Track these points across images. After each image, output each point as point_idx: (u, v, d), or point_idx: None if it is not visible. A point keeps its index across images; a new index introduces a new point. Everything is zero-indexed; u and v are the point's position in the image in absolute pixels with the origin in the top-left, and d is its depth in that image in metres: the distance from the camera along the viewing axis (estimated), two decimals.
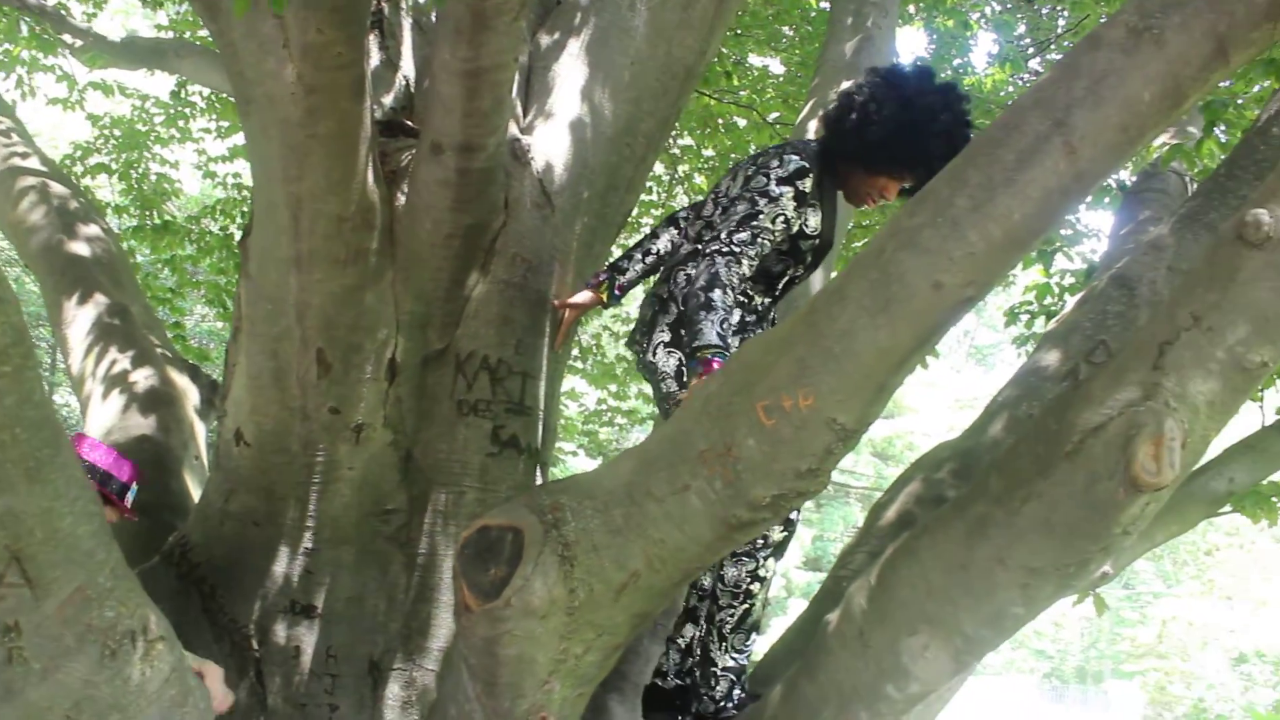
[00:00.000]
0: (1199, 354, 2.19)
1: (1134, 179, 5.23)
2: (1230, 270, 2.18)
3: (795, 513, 3.38)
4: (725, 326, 2.91)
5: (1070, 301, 4.22)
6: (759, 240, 3.09)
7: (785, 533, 3.30)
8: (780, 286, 3.36)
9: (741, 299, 3.28)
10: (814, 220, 3.24)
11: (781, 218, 3.14)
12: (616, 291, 3.56)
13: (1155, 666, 24.84)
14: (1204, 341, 2.19)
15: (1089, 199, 6.27)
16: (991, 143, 2.22)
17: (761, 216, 3.11)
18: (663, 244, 3.57)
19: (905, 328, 2.19)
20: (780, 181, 3.15)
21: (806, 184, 3.18)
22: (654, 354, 3.31)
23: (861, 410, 2.23)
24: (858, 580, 2.83)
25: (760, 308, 3.35)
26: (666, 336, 3.29)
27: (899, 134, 3.15)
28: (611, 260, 3.65)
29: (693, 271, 3.13)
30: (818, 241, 3.27)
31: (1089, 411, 2.31)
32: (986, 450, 3.45)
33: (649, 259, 3.57)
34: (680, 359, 3.23)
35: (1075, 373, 3.52)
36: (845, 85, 3.42)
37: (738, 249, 3.04)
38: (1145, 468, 2.15)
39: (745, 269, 3.06)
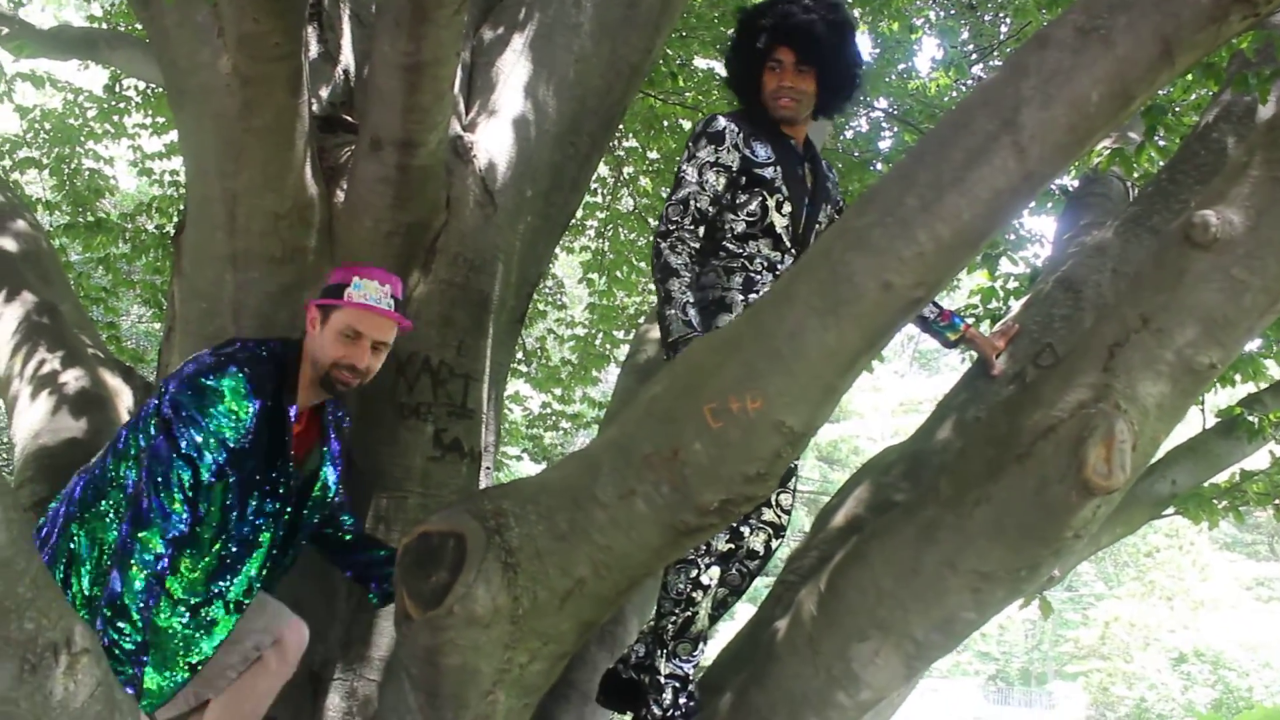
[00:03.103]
0: (1148, 356, 2.18)
1: (1076, 183, 5.25)
2: (1178, 271, 2.17)
3: (750, 526, 3.35)
4: (688, 311, 3.00)
5: (1015, 305, 4.22)
6: (692, 205, 3.16)
7: (730, 544, 3.27)
8: (790, 234, 3.30)
9: (743, 264, 3.25)
10: (761, 150, 3.27)
11: (707, 165, 3.20)
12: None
13: (1098, 668, 25.21)
14: (1153, 343, 2.18)
15: (1033, 202, 6.30)
16: (940, 141, 2.19)
17: (686, 181, 3.20)
18: None
19: (854, 329, 2.15)
20: (693, 140, 3.25)
21: (718, 124, 3.26)
22: None
23: (810, 413, 2.19)
24: (807, 586, 2.80)
25: (778, 263, 3.28)
26: None
27: (735, 38, 3.40)
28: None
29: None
30: (778, 168, 3.28)
31: (1039, 414, 2.29)
32: (935, 454, 3.43)
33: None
34: None
35: (1022, 376, 3.50)
36: None
37: (673, 227, 3.13)
38: (1097, 470, 2.14)
39: (691, 242, 3.14)
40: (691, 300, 3.03)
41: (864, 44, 9.10)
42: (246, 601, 2.82)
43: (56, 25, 7.11)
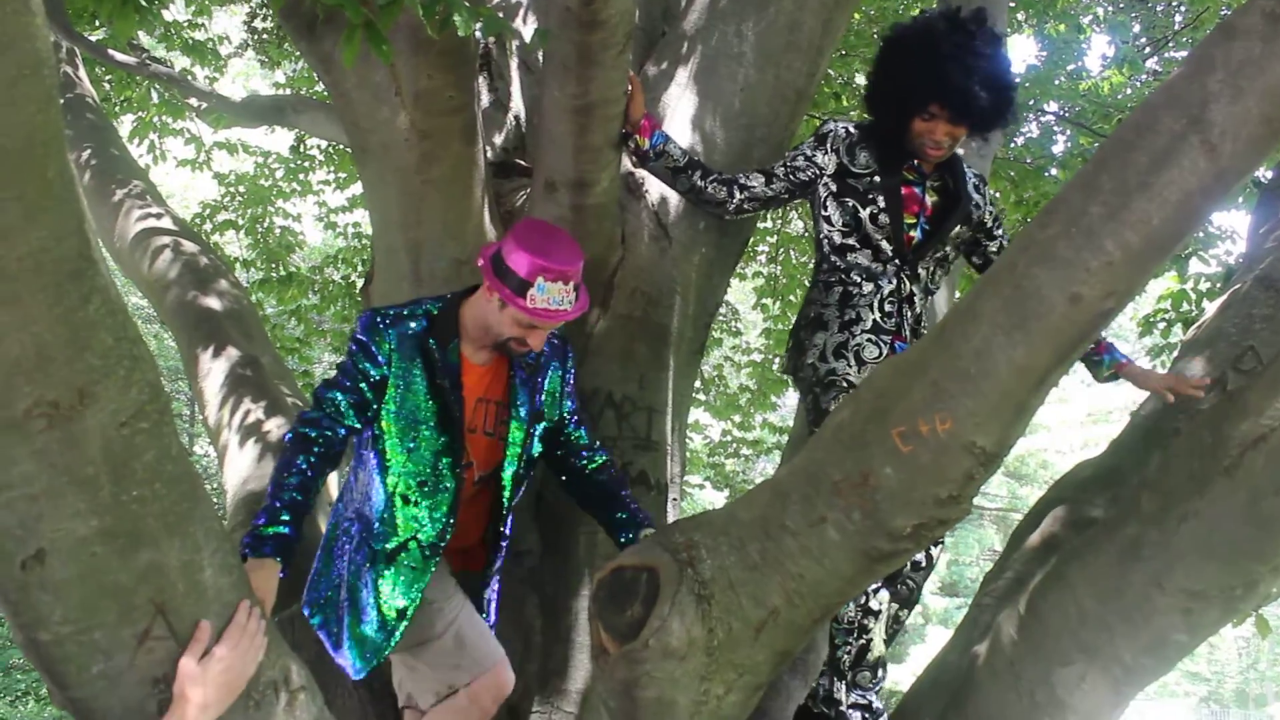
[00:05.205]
0: None
1: (1271, 174, 5.00)
2: None
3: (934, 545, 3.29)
4: (695, 177, 3.39)
5: (1210, 307, 4.03)
6: (775, 174, 3.41)
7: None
8: (892, 246, 3.27)
9: (841, 278, 3.29)
10: (861, 157, 3.32)
11: (801, 155, 3.38)
12: (651, 144, 3.37)
13: None
14: None
15: None
16: (1123, 145, 2.12)
17: (780, 164, 3.43)
18: (713, 187, 3.44)
19: (1043, 344, 2.09)
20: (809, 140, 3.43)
21: (827, 127, 3.40)
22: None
23: (1001, 432, 2.14)
24: (1006, 609, 2.73)
25: (879, 275, 3.26)
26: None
27: (882, 78, 3.33)
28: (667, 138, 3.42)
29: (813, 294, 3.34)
30: (875, 178, 3.28)
31: (1246, 423, 2.19)
32: (1132, 467, 3.30)
33: (691, 164, 3.42)
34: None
35: (1223, 381, 3.35)
36: None
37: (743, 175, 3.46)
38: None
39: (740, 178, 3.43)
40: (698, 181, 3.37)
41: (1031, 46, 8.86)
42: (441, 544, 2.87)
43: (248, 96, 7.55)
